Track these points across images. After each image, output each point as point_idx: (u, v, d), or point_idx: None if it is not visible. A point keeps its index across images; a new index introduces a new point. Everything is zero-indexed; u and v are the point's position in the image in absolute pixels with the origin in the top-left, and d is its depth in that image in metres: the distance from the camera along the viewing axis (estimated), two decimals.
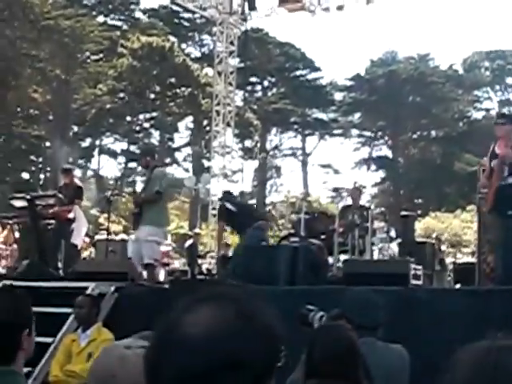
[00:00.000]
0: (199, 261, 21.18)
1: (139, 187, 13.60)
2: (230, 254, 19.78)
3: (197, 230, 23.88)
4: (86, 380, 7.87)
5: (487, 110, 60.47)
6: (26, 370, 8.75)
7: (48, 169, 43.36)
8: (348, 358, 3.80)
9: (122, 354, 2.45)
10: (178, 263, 24.08)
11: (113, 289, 9.72)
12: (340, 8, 20.88)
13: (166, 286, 12.50)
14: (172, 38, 49.03)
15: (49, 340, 9.22)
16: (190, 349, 1.58)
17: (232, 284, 9.18)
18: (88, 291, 9.44)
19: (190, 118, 49.78)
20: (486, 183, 9.69)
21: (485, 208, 9.92)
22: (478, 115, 61.16)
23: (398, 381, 4.72)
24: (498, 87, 62.30)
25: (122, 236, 20.70)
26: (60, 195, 14.05)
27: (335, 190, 57.47)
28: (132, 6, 54.82)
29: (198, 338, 1.59)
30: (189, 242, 21.22)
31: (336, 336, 3.92)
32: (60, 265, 13.60)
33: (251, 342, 1.62)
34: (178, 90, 47.28)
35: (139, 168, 11.95)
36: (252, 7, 22.41)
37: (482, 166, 10.74)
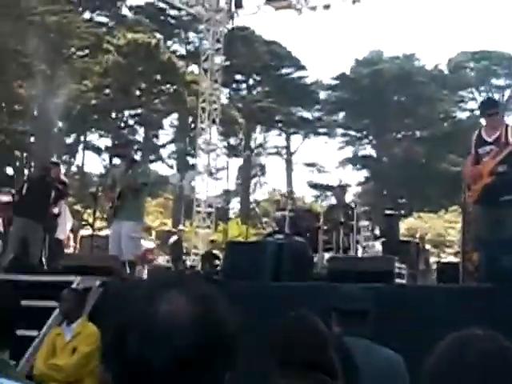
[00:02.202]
0: (183, 257, 21.18)
1: None
2: (215, 251, 19.85)
3: (181, 227, 23.88)
4: (72, 373, 7.82)
5: (472, 111, 60.58)
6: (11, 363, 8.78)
7: (32, 164, 43.26)
8: (318, 346, 3.80)
9: None
10: (162, 260, 24.09)
11: (98, 283, 9.72)
12: (327, 7, 20.89)
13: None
14: (158, 35, 49.02)
15: (34, 333, 9.22)
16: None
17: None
18: (73, 285, 9.44)
19: (175, 115, 49.82)
20: (474, 171, 9.65)
21: (471, 198, 9.89)
22: (463, 115, 61.45)
23: None
24: (482, 88, 62.46)
25: (107, 232, 20.70)
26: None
27: (318, 186, 57.54)
28: (118, 3, 54.77)
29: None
30: (173, 239, 21.21)
31: (304, 324, 3.91)
32: (44, 259, 13.59)
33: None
34: (163, 87, 47.30)
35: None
36: (239, 5, 22.41)
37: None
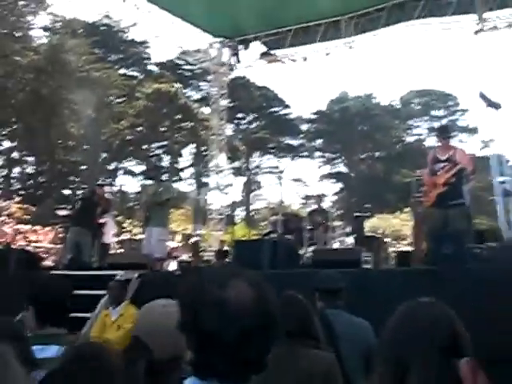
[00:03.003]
0: (200, 254, 21.11)
1: None
2: (225, 248, 19.81)
3: (198, 231, 23.93)
4: (118, 344, 7.82)
5: (418, 135, 60.89)
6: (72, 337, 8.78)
7: (83, 186, 43.26)
8: (303, 319, 3.81)
9: (162, 311, 2.48)
10: (185, 256, 24.03)
11: (136, 275, 9.74)
12: (305, 59, 20.95)
13: (177, 272, 12.50)
14: (177, 85, 49.05)
15: (88, 315, 9.24)
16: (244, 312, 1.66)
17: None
18: (117, 277, 9.46)
19: (192, 146, 49.78)
20: (430, 181, 9.70)
21: (427, 203, 9.91)
22: (411, 139, 61.40)
23: (355, 347, 4.59)
24: (425, 118, 62.67)
25: (141, 236, 20.69)
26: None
27: (305, 196, 57.51)
28: (145, 61, 54.88)
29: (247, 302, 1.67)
30: (193, 239, 21.17)
31: (291, 302, 3.91)
32: (94, 258, 13.64)
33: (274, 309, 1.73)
34: (182, 124, 47.31)
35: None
36: (238, 60, 22.50)
37: (417, 176, 10.83)
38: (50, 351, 2.95)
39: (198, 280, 1.82)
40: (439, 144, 9.98)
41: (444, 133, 10.15)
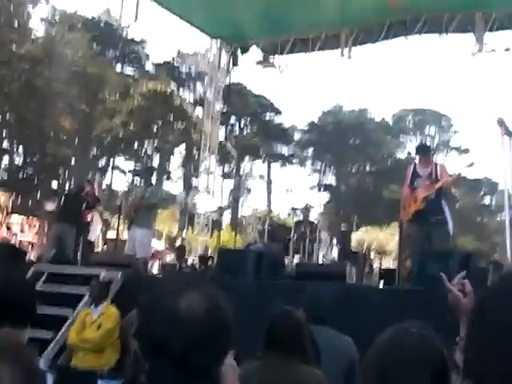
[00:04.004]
0: (185, 257, 21.08)
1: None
2: (210, 253, 19.80)
3: (184, 235, 23.91)
4: (97, 344, 7.72)
5: (409, 153, 61.09)
6: (50, 335, 8.71)
7: (72, 180, 43.13)
8: (297, 334, 3.85)
9: None
10: (169, 259, 23.99)
11: (119, 275, 9.70)
12: (301, 67, 21.01)
13: (161, 274, 12.47)
14: (172, 86, 49.06)
15: (69, 312, 9.19)
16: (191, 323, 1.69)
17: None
18: (100, 276, 9.43)
19: (183, 146, 49.74)
20: (409, 196, 9.67)
21: (405, 218, 9.87)
22: (402, 156, 61.66)
23: (336, 362, 4.67)
24: (417, 135, 63.09)
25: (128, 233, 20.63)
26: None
27: (293, 208, 57.64)
28: (143, 60, 54.87)
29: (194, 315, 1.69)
30: (179, 244, 21.16)
31: (288, 317, 3.96)
32: (79, 255, 13.58)
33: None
34: (175, 125, 47.32)
35: (141, 183, 12.04)
36: (235, 63, 22.46)
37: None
38: None
39: (155, 289, 1.86)
40: (419, 160, 9.95)
41: (423, 150, 10.15)
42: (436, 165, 9.81)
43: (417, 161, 10.00)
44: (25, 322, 2.82)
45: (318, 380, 3.84)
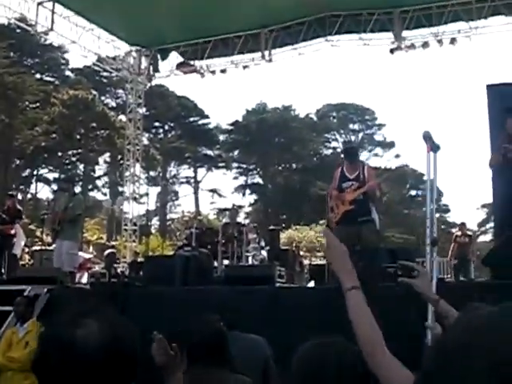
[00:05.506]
0: (114, 265, 20.81)
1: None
2: (139, 259, 19.60)
3: (113, 243, 23.63)
4: (25, 363, 7.52)
5: (334, 149, 61.81)
6: None
7: None
8: (220, 343, 3.84)
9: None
10: (98, 267, 23.63)
11: (45, 290, 9.51)
12: (223, 71, 20.99)
13: (88, 287, 12.26)
14: (94, 92, 48.47)
15: None
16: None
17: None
18: (25, 293, 9.23)
19: (107, 154, 49.20)
20: (338, 197, 9.71)
21: (334, 219, 9.90)
22: (328, 152, 62.38)
23: (253, 364, 4.71)
24: (342, 131, 63.73)
25: (54, 246, 20.25)
26: (3, 215, 13.82)
27: (220, 210, 57.67)
28: (62, 66, 54.03)
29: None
30: (107, 251, 20.86)
31: (210, 327, 3.94)
32: (3, 271, 13.28)
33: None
34: (98, 132, 46.77)
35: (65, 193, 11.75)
36: (156, 69, 22.36)
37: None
38: None
39: (53, 317, 1.82)
40: (346, 164, 9.99)
41: (350, 155, 10.19)
42: (363, 167, 9.89)
43: (344, 164, 10.04)
44: None
45: None
